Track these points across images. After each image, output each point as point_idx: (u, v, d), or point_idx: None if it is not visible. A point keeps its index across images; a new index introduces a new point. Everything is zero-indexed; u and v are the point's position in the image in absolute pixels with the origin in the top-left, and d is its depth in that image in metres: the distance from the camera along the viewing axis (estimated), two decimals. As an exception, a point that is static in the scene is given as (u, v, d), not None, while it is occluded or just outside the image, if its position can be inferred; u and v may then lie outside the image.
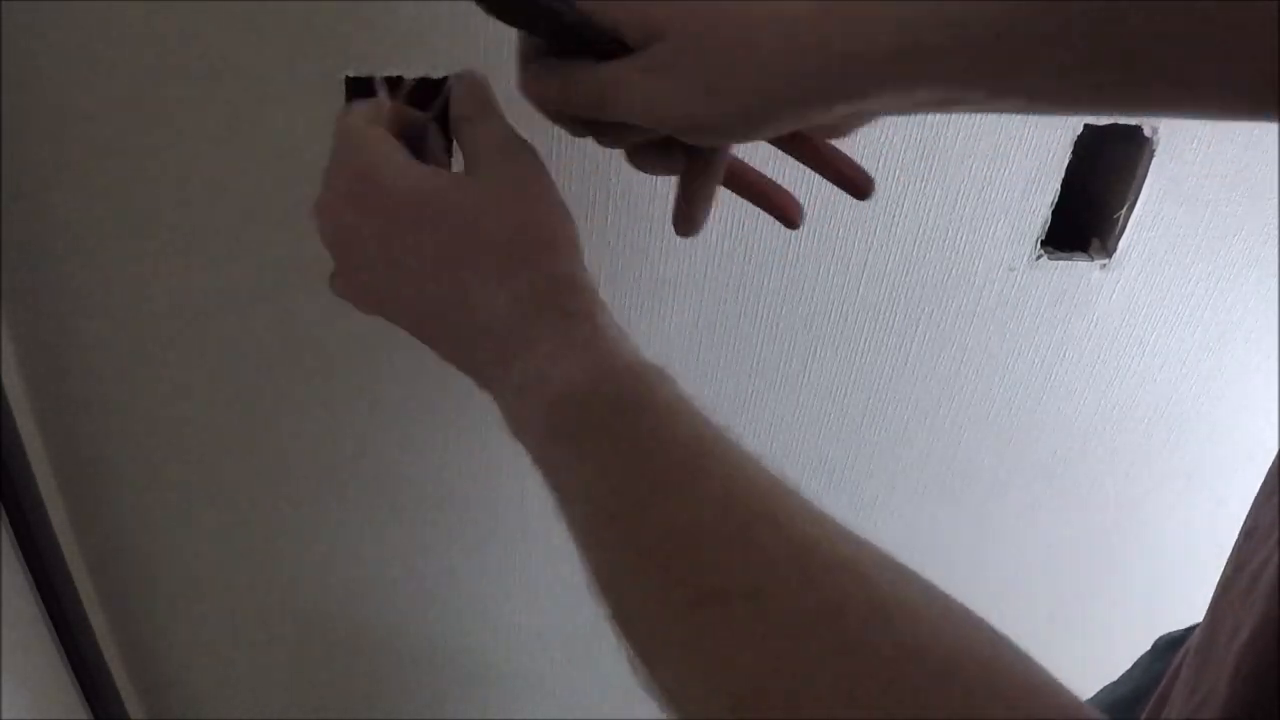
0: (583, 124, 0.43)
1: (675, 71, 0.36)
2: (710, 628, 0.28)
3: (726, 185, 0.48)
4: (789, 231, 0.69)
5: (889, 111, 0.37)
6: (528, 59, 0.42)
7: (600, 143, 0.44)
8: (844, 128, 0.43)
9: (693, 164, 0.44)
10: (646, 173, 0.45)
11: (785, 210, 0.49)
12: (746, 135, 0.38)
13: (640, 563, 0.31)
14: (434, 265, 0.38)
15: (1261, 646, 0.28)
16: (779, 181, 0.50)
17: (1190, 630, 0.47)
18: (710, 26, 0.35)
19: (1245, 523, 0.35)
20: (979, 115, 0.66)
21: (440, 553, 0.86)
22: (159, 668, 0.92)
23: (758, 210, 0.68)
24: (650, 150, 0.43)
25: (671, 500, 0.32)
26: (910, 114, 0.40)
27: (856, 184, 0.47)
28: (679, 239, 0.68)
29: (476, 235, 0.38)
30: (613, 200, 0.66)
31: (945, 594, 0.29)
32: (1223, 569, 0.35)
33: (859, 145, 0.65)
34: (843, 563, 0.29)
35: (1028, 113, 0.35)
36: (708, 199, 0.46)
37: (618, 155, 0.64)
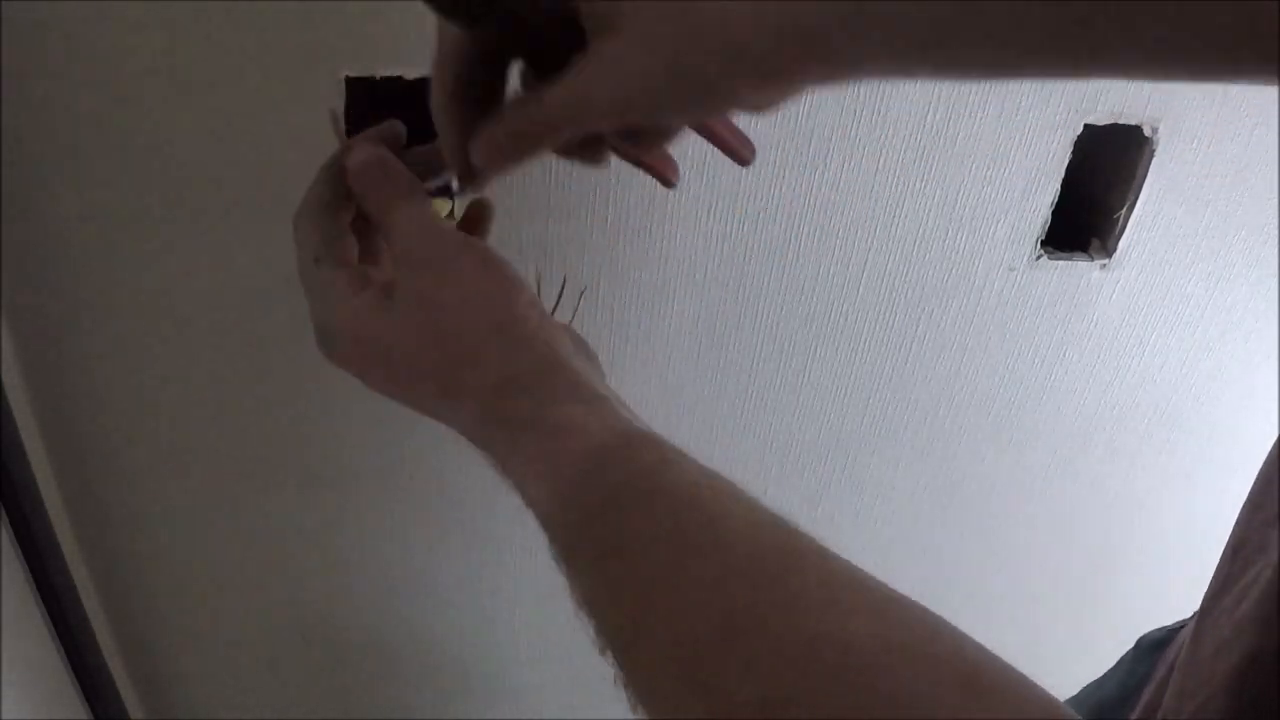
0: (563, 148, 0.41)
1: (631, 62, 0.34)
2: None
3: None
4: (788, 232, 0.69)
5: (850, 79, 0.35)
6: (460, 112, 0.40)
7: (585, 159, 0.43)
8: (770, 110, 0.41)
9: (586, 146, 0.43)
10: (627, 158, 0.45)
11: (665, 171, 0.48)
12: (701, 110, 0.37)
13: (655, 681, 0.30)
14: (402, 395, 0.40)
15: (1251, 672, 0.28)
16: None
17: (1173, 631, 0.47)
18: (659, 16, 0.33)
19: (1232, 536, 0.34)
20: (978, 115, 0.66)
21: (442, 553, 0.86)
22: (159, 668, 0.92)
23: (757, 210, 0.68)
24: (624, 143, 0.43)
25: (669, 613, 0.30)
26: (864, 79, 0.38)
27: (739, 154, 0.47)
28: (678, 239, 0.69)
29: (412, 369, 0.38)
30: (612, 201, 0.66)
31: (976, 657, 0.27)
32: (1210, 581, 0.34)
33: (858, 145, 0.66)
34: (854, 656, 0.27)
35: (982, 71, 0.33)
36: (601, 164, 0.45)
37: (617, 158, 0.64)
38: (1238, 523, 0.34)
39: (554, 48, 0.36)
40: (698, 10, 0.32)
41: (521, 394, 0.37)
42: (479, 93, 0.39)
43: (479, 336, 0.37)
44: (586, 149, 0.42)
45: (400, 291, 0.38)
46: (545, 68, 0.36)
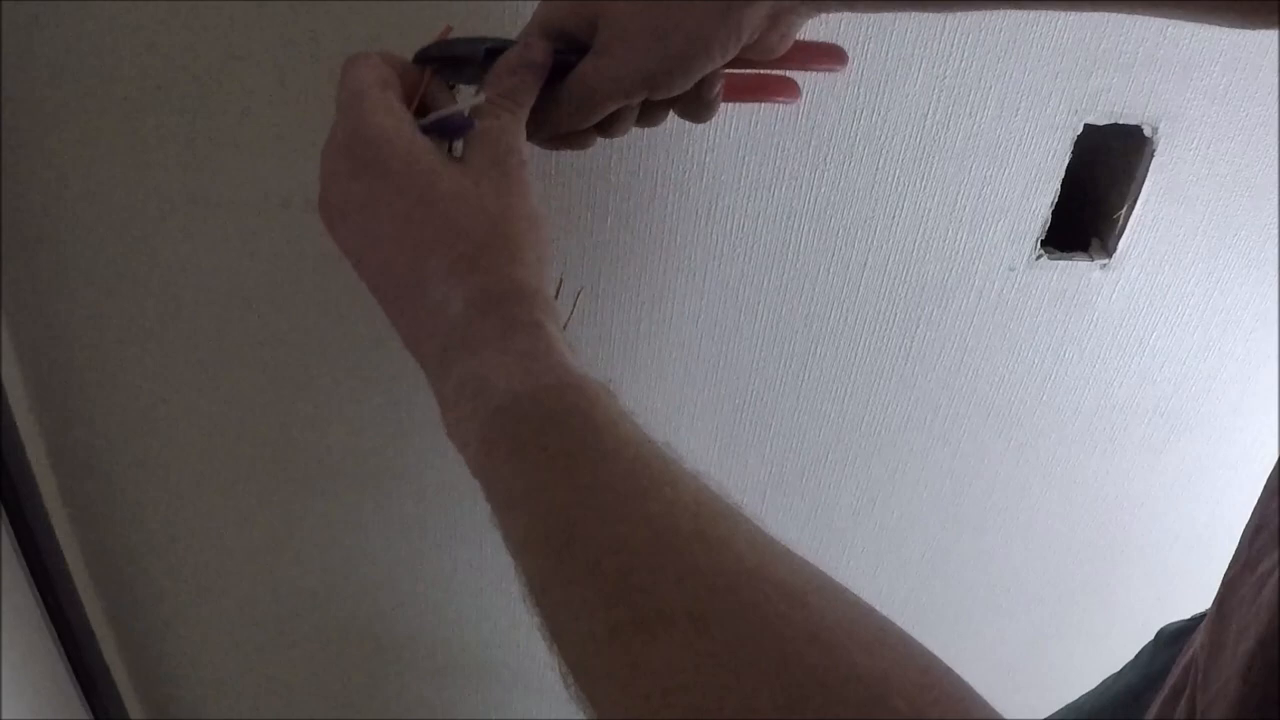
0: (577, 134, 0.47)
1: (619, 46, 0.43)
2: (647, 651, 0.28)
3: (726, 99, 0.50)
4: (788, 232, 0.69)
5: (795, 11, 0.44)
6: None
7: (603, 134, 0.48)
8: (774, 44, 0.46)
9: (684, 108, 0.48)
10: (654, 125, 0.49)
11: (781, 91, 0.52)
12: (693, 68, 0.43)
13: (575, 582, 0.31)
14: (403, 242, 0.39)
15: (1268, 656, 0.28)
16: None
17: (1194, 621, 0.48)
18: (627, 5, 0.42)
19: (1252, 518, 0.35)
20: (979, 114, 0.66)
21: (446, 551, 0.86)
22: (159, 668, 0.92)
23: (757, 210, 0.68)
24: (646, 116, 0.48)
25: (608, 519, 0.31)
26: (821, 12, 0.45)
27: (831, 57, 0.50)
28: (678, 239, 0.69)
29: (448, 223, 0.39)
30: (614, 200, 0.66)
31: (882, 617, 0.29)
32: (1229, 562, 0.35)
33: (858, 145, 0.66)
34: (780, 587, 0.29)
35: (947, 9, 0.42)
36: (708, 117, 0.49)
37: (618, 155, 0.64)
38: (1258, 506, 0.35)
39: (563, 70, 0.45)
40: None
41: (537, 301, 0.39)
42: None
43: (521, 236, 0.40)
44: (644, 118, 0.48)
45: (479, 165, 0.41)
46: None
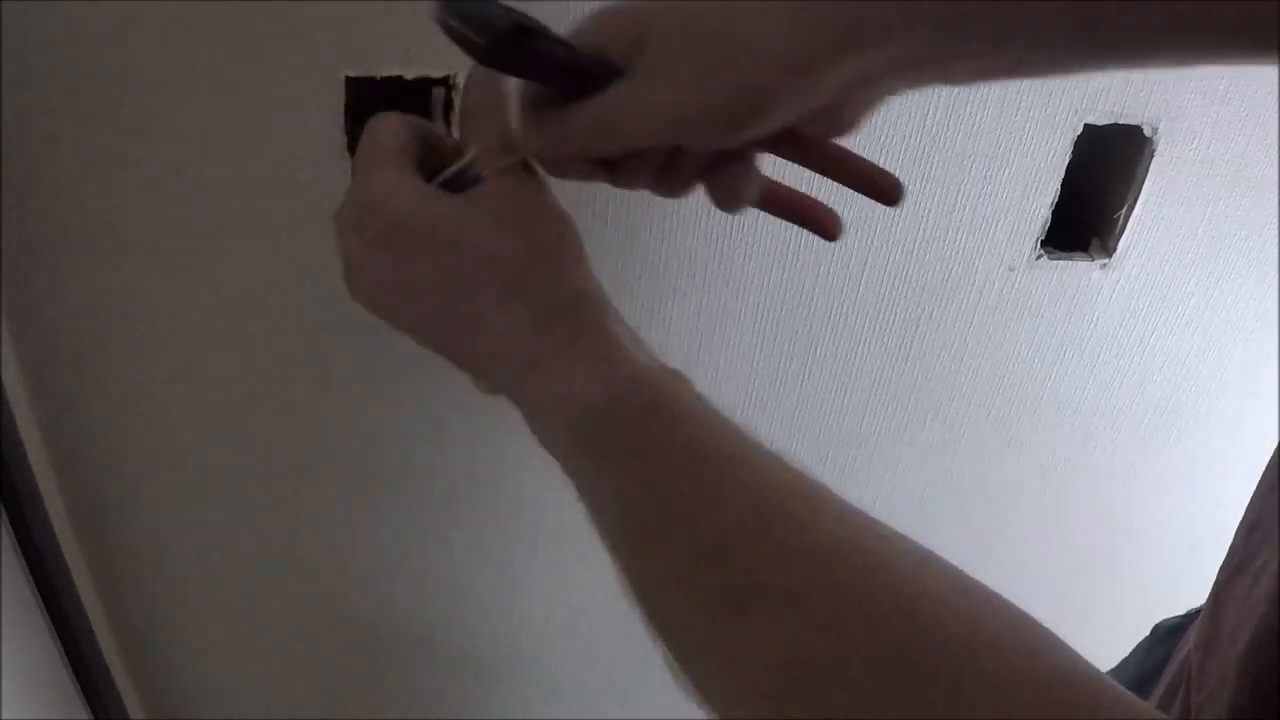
0: (591, 166, 0.43)
1: (660, 76, 0.35)
2: (746, 629, 0.30)
3: (758, 207, 0.46)
4: (788, 231, 0.69)
5: (881, 80, 0.35)
6: (523, 113, 0.40)
7: (614, 183, 0.44)
8: (846, 119, 0.40)
9: (716, 178, 0.43)
10: (674, 197, 0.44)
11: (822, 224, 0.47)
12: (742, 123, 0.35)
13: (675, 571, 0.32)
14: (446, 292, 0.39)
15: (1263, 653, 0.28)
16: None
17: (1189, 617, 0.48)
18: (682, 25, 0.34)
19: (1247, 514, 0.35)
20: (979, 115, 0.66)
21: (443, 547, 0.86)
22: (159, 668, 0.92)
23: (755, 211, 0.68)
24: (667, 172, 0.42)
25: (701, 507, 0.33)
26: (909, 88, 0.37)
27: (882, 188, 0.44)
28: (678, 239, 0.69)
29: (484, 258, 0.39)
30: (613, 202, 0.66)
31: (975, 581, 0.31)
32: (1224, 559, 0.35)
33: (859, 145, 0.66)
34: (870, 557, 0.30)
35: (1027, 72, 0.34)
36: (737, 205, 0.44)
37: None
38: (1251, 503, 0.35)
39: (592, 90, 0.37)
40: (726, 15, 0.33)
41: (593, 300, 0.40)
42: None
43: (557, 243, 0.41)
44: (667, 176, 0.43)
45: (492, 192, 0.40)
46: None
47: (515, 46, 0.35)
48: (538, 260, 0.40)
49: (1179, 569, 0.99)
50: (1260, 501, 0.34)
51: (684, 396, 0.37)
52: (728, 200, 0.43)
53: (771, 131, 0.36)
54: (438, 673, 0.97)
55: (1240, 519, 0.35)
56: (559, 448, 0.38)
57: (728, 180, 0.42)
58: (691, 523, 0.32)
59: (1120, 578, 1.00)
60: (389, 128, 0.42)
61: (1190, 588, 1.06)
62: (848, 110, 0.40)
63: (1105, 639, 1.08)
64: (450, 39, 0.35)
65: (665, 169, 0.42)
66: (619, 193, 0.66)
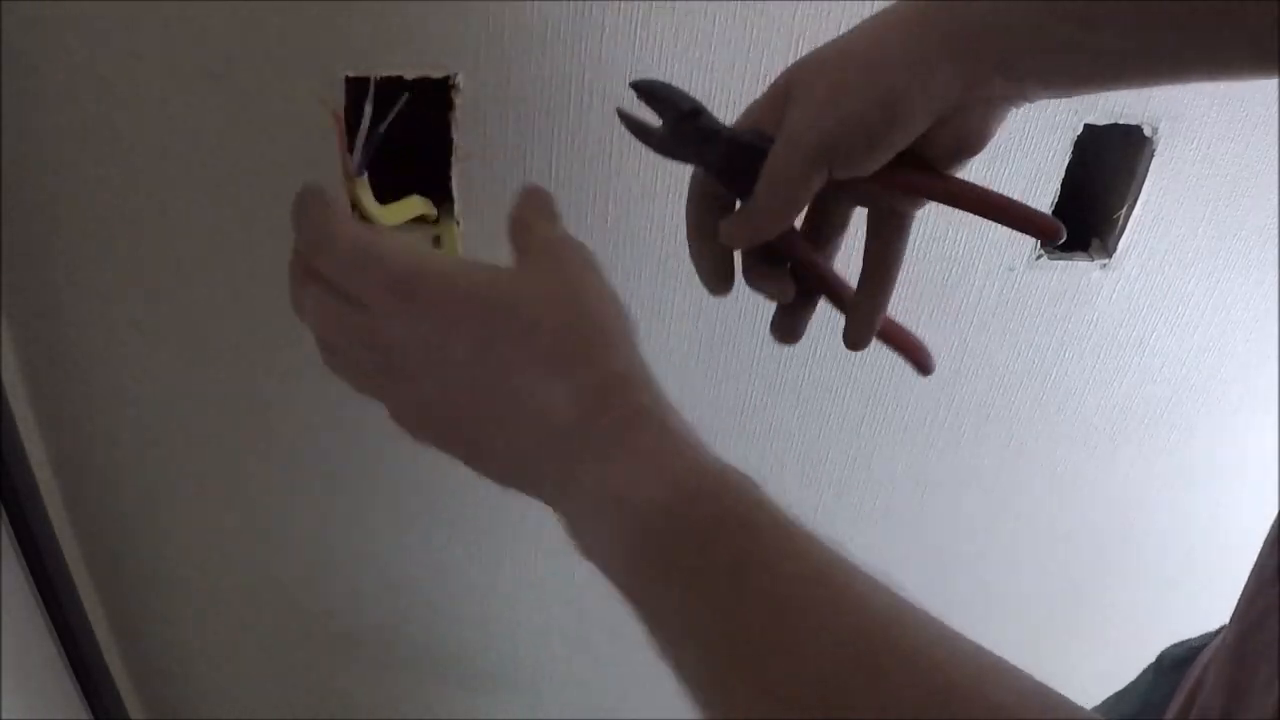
0: (769, 258, 0.45)
1: (800, 112, 0.39)
2: None
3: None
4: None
5: (992, 83, 0.38)
6: (702, 221, 0.44)
7: (817, 244, 0.46)
8: (973, 133, 0.42)
9: (875, 228, 0.46)
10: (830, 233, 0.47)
11: (916, 356, 0.48)
12: (878, 132, 0.38)
13: (772, 713, 0.28)
14: (483, 368, 0.34)
15: None
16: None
17: (1195, 648, 0.47)
18: (814, 67, 0.39)
19: (1274, 529, 0.33)
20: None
21: (439, 551, 0.86)
22: (159, 667, 0.92)
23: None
24: (830, 214, 0.46)
25: (798, 641, 0.28)
26: (1018, 95, 0.40)
27: (1032, 221, 0.45)
28: (679, 239, 0.68)
29: (527, 331, 0.34)
30: (613, 203, 0.66)
31: (1063, 699, 0.28)
32: (1247, 581, 0.33)
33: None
34: (988, 695, 0.27)
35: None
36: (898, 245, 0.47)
37: (618, 157, 0.64)
38: None
39: (748, 168, 0.41)
40: (849, 44, 0.38)
41: (645, 387, 0.36)
42: (713, 219, 0.44)
43: (607, 322, 0.36)
44: (771, 274, 0.45)
45: (540, 264, 0.37)
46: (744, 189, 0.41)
47: (693, 127, 0.41)
48: (586, 333, 0.35)
49: (1180, 569, 0.99)
50: None
51: (760, 503, 0.32)
52: (888, 243, 0.46)
53: (908, 141, 0.39)
54: (438, 674, 0.97)
55: (1269, 533, 0.33)
56: (613, 559, 0.32)
57: (883, 230, 0.45)
58: (788, 660, 0.28)
59: (1120, 576, 1.00)
60: (325, 205, 0.41)
61: (1190, 587, 1.06)
62: (973, 122, 0.41)
63: (1103, 639, 1.08)
64: (629, 129, 0.43)
65: (828, 212, 0.45)
66: (619, 194, 0.66)
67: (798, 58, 0.40)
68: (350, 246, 0.37)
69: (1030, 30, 0.36)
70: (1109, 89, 0.40)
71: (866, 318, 0.46)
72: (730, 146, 0.41)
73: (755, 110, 0.42)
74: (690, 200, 0.44)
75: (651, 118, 0.43)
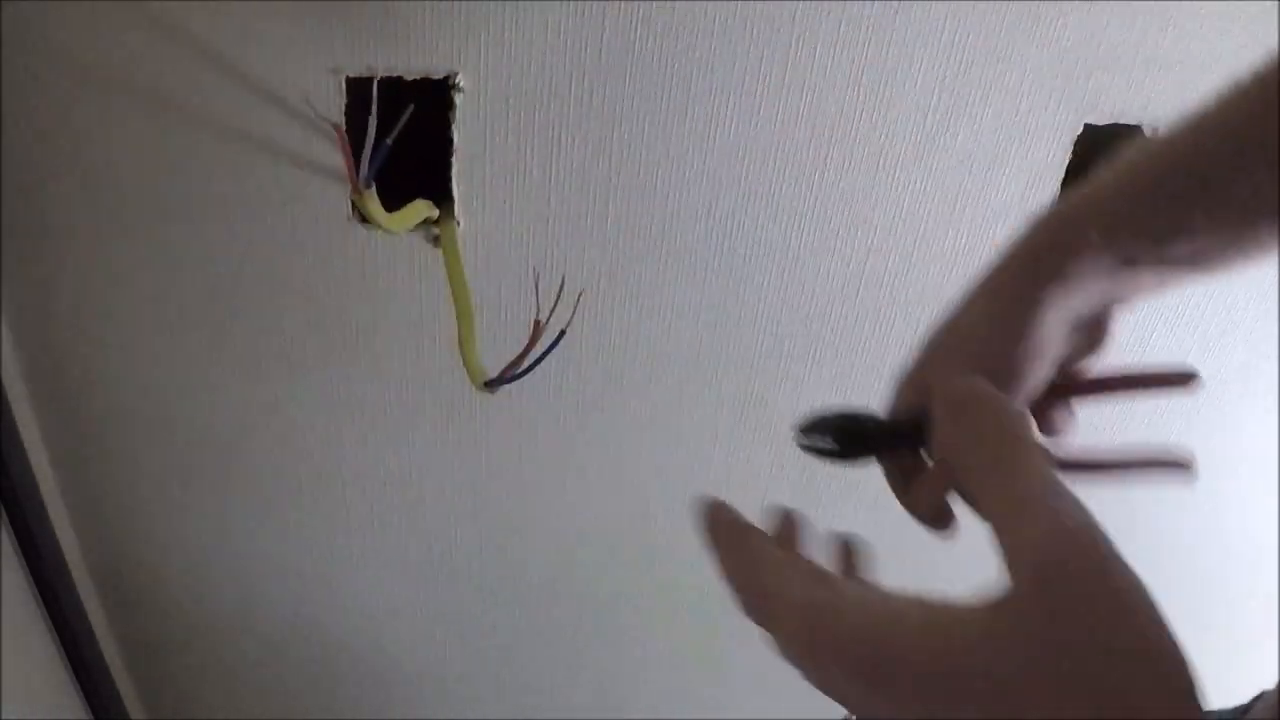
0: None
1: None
2: None
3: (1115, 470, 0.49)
4: (787, 233, 0.69)
5: (1100, 288, 0.41)
6: (902, 491, 0.45)
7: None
8: (1100, 336, 0.45)
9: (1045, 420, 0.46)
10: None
11: (1180, 382, 0.49)
12: (1021, 363, 0.41)
13: None
14: None
15: None
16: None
17: (1239, 713, 0.46)
18: (942, 349, 0.43)
19: None
20: (979, 114, 0.66)
21: (448, 552, 0.86)
22: (158, 667, 0.92)
23: (757, 210, 0.68)
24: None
25: None
26: (1128, 292, 0.42)
27: (1178, 381, 0.47)
28: (678, 239, 0.69)
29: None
30: (614, 203, 0.66)
31: None
32: None
33: (858, 145, 0.66)
34: None
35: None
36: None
37: (618, 157, 0.64)
38: None
39: (915, 442, 0.45)
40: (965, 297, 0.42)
41: None
42: (907, 483, 0.45)
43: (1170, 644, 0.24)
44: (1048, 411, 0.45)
45: (1037, 591, 0.24)
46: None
47: (858, 430, 0.46)
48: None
49: (1178, 571, 0.99)
50: None
51: None
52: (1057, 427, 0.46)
53: (1056, 360, 0.42)
54: (438, 674, 0.97)
55: None
56: None
57: (1052, 420, 0.46)
58: None
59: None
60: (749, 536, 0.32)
61: (1191, 588, 1.06)
62: (1086, 338, 0.44)
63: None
64: (813, 455, 0.46)
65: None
66: (620, 195, 0.66)
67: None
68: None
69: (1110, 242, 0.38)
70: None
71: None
72: (897, 435, 0.46)
73: (901, 394, 0.46)
74: (888, 478, 0.46)
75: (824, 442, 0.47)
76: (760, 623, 0.29)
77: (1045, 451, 0.37)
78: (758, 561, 0.30)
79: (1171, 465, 0.47)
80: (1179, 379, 0.46)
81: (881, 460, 0.47)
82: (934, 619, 0.25)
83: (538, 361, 0.58)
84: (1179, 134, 0.37)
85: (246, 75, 0.57)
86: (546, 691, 1.01)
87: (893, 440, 0.46)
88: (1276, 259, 0.42)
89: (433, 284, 0.67)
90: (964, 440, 0.29)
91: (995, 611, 0.25)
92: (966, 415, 0.29)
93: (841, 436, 0.46)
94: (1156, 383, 0.46)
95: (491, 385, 0.60)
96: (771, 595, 0.28)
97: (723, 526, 0.32)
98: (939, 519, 0.44)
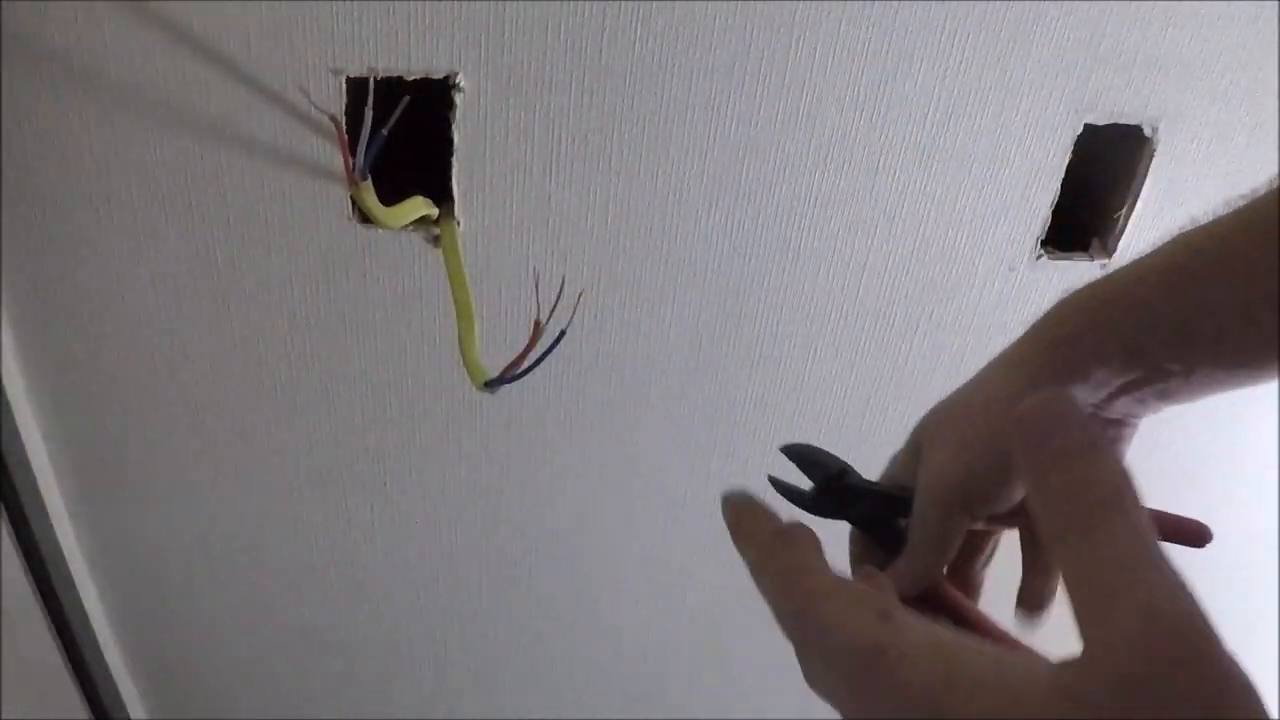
0: (920, 605, 0.43)
1: (933, 460, 0.41)
2: None
3: None
4: (788, 231, 0.69)
5: (1109, 404, 0.39)
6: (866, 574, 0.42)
7: (959, 581, 0.46)
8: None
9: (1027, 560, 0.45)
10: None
11: (1194, 536, 0.48)
12: (1003, 474, 0.39)
13: None
14: None
15: None
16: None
17: None
18: (939, 417, 0.42)
19: None
20: (979, 115, 0.66)
21: (448, 553, 0.86)
22: (159, 666, 0.92)
23: (757, 210, 0.68)
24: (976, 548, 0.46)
25: None
26: (1140, 408, 0.41)
27: (1191, 534, 0.46)
28: (678, 239, 0.69)
29: None
30: (614, 202, 0.66)
31: None
32: None
33: (858, 145, 0.66)
34: None
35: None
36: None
37: (618, 157, 0.64)
38: None
39: (895, 521, 0.43)
40: (966, 391, 0.42)
41: None
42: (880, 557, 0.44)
43: None
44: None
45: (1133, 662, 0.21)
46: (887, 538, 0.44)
47: (841, 485, 0.44)
48: None
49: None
50: None
51: None
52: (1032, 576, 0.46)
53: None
54: (438, 675, 0.97)
55: None
56: None
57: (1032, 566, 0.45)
58: None
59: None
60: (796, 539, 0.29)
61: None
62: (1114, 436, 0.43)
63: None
64: (780, 494, 0.44)
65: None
66: (619, 195, 0.66)
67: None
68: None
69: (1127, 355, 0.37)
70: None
71: (1036, 601, 0.47)
72: (876, 501, 0.44)
73: (896, 463, 0.44)
74: (851, 562, 0.45)
75: (799, 480, 0.46)
76: (805, 652, 0.26)
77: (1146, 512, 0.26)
78: (809, 584, 0.27)
79: (1187, 534, 0.46)
80: (1191, 537, 0.45)
81: (855, 536, 0.45)
82: (1004, 678, 0.23)
83: (538, 361, 0.58)
84: (1225, 243, 0.34)
85: (247, 75, 0.57)
86: (547, 691, 1.01)
87: (880, 509, 0.44)
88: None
89: (433, 284, 0.67)
90: (1064, 485, 0.24)
91: (1077, 679, 0.22)
92: (1075, 460, 0.24)
93: (825, 483, 0.44)
94: (1166, 533, 0.44)
95: (491, 385, 0.60)
96: (827, 628, 0.25)
97: (759, 530, 0.29)
98: (919, 599, 0.43)
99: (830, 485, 0.44)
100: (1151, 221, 0.73)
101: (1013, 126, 0.66)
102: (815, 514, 0.44)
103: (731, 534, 0.30)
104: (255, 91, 0.58)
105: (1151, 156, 0.69)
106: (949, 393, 0.43)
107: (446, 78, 0.59)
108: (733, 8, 0.59)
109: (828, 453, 0.45)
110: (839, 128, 0.65)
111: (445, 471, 0.79)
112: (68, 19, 0.54)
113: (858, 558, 0.45)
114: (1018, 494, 0.40)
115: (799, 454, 0.45)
